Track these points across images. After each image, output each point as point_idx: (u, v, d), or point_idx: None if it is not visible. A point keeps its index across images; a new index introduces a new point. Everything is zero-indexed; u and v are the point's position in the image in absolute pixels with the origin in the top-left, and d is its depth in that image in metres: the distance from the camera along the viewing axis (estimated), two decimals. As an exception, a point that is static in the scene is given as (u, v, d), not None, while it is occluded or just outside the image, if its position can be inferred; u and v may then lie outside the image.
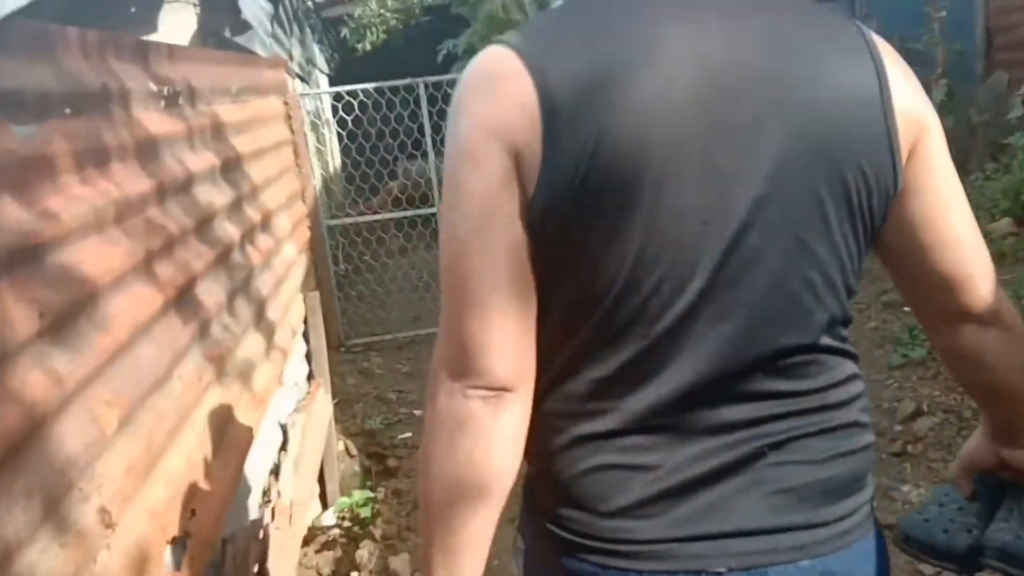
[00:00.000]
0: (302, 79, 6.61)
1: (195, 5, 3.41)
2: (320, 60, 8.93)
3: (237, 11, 3.67)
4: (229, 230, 2.06)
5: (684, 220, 0.75)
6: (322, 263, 4.48)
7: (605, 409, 0.79)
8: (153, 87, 1.71)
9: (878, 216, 0.80)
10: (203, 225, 1.84)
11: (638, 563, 0.78)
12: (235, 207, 2.20)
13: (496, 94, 0.76)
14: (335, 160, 7.77)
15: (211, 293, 1.75)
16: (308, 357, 3.20)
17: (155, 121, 1.69)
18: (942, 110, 3.23)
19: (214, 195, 2.01)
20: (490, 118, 0.76)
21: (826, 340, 0.81)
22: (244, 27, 3.72)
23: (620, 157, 0.73)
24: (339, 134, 5.64)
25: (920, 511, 0.98)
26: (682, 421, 0.79)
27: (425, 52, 7.97)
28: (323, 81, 9.00)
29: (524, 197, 0.75)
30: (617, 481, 0.79)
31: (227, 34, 3.67)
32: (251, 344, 2.01)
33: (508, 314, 0.77)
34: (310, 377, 3.18)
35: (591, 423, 0.80)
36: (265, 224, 2.53)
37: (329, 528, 2.72)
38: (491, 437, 0.78)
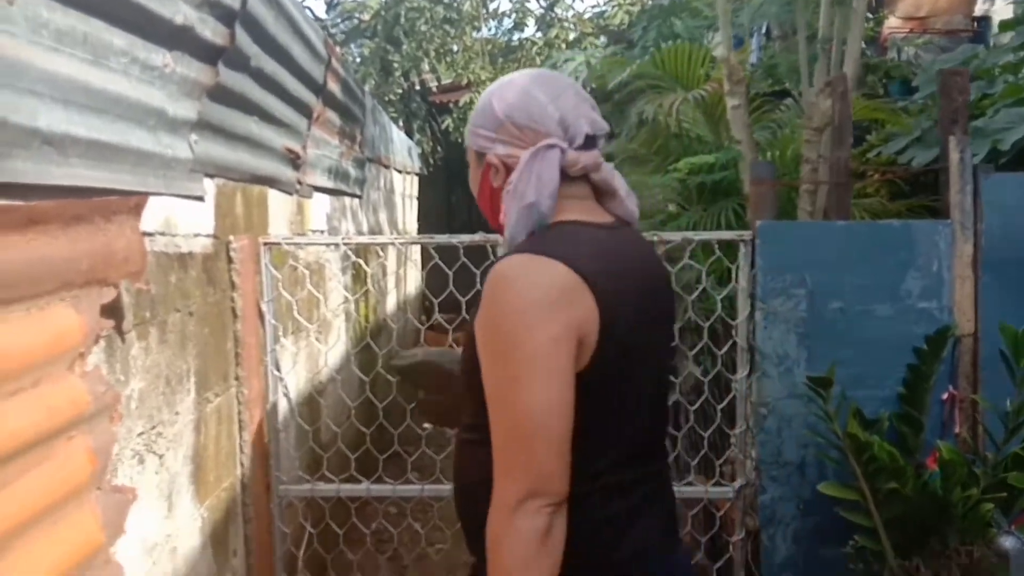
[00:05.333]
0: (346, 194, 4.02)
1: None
2: (400, 152, 6.38)
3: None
4: None
5: (646, 367, 1.19)
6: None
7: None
8: None
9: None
10: None
11: None
12: None
13: (560, 291, 1.07)
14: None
15: None
16: None
17: None
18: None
19: None
20: (561, 310, 1.07)
21: None
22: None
23: (633, 336, 1.15)
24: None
25: None
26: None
27: None
28: (401, 182, 6.51)
29: (582, 359, 1.09)
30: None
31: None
32: None
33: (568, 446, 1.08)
34: None
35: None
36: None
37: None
38: (563, 538, 1.07)
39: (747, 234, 2.32)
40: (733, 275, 2.35)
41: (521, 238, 1.16)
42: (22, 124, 1.24)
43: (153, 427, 1.70)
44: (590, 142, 1.21)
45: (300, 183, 3.05)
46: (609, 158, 5.45)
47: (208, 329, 2.06)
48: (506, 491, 1.05)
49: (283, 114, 2.65)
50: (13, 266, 1.16)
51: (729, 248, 2.37)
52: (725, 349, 2.38)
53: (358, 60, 8.65)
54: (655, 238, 2.33)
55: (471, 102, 7.99)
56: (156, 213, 1.77)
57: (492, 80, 8.40)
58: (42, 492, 1.19)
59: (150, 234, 1.72)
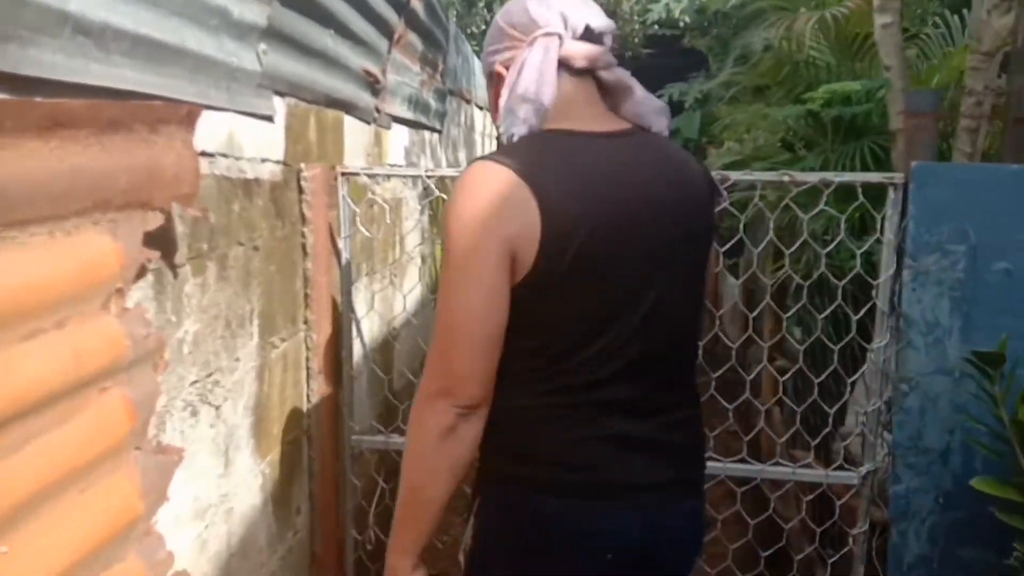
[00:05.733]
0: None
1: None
2: (483, 88, 5.30)
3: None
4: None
5: (631, 287, 1.12)
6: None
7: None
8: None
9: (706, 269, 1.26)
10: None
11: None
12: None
13: (501, 203, 1.05)
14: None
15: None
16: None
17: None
18: None
19: None
20: (495, 223, 1.05)
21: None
22: None
23: (589, 252, 1.07)
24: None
25: None
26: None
27: None
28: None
29: (518, 271, 1.06)
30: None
31: None
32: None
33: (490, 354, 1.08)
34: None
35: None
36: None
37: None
38: (468, 441, 1.10)
39: (898, 177, 1.95)
40: (877, 226, 2.00)
41: (521, 132, 1.12)
42: (48, 4, 1.01)
43: (209, 375, 1.49)
44: (596, 39, 1.16)
45: (379, 111, 2.79)
46: (727, 88, 5.03)
47: (275, 266, 1.84)
48: (424, 385, 1.10)
49: (363, 31, 2.38)
50: (31, 177, 0.93)
51: (871, 194, 2.02)
52: (861, 313, 2.04)
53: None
54: (785, 178, 1.99)
55: None
56: (217, 130, 1.53)
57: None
58: (67, 454, 0.98)
59: (209, 154, 1.49)
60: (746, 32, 4.94)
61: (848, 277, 2.07)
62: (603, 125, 1.15)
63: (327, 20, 2.09)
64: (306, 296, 2.05)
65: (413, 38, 3.10)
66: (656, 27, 7.58)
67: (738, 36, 5.20)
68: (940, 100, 2.36)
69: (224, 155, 1.58)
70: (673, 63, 6.94)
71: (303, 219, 2.00)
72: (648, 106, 1.18)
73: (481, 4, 7.89)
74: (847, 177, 2.05)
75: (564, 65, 1.13)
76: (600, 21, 1.16)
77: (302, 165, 1.99)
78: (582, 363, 1.09)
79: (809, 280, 2.21)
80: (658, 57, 7.48)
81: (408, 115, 3.25)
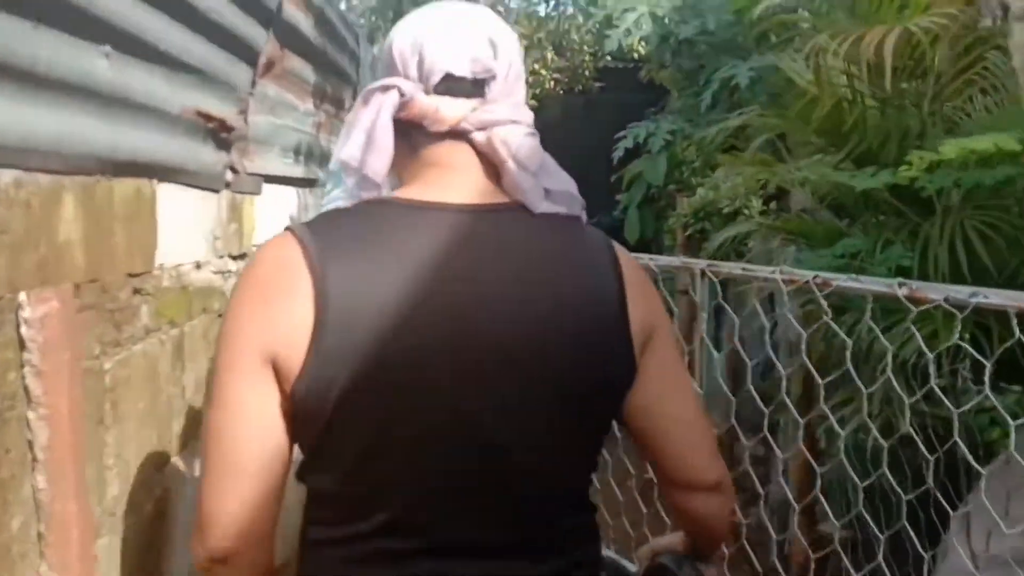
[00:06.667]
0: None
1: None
2: None
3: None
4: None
5: (441, 406, 0.83)
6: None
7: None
8: None
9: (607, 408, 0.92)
10: None
11: None
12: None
13: (266, 287, 0.82)
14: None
15: None
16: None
17: None
18: None
19: None
20: (257, 329, 0.81)
21: None
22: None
23: (382, 359, 0.80)
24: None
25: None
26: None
27: (594, 139, 5.43)
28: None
29: (286, 381, 0.81)
30: None
31: None
32: None
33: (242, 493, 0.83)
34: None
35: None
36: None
37: None
38: None
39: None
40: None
41: (341, 204, 0.92)
42: None
43: None
44: (465, 90, 0.87)
45: (235, 170, 1.88)
46: (731, 133, 3.98)
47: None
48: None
49: (186, 50, 1.48)
50: None
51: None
52: None
53: (365, 14, 7.34)
54: (902, 291, 1.15)
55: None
56: None
57: (526, 38, 7.12)
58: None
59: None
60: (719, 62, 4.18)
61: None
62: (466, 196, 0.88)
63: (98, 28, 1.18)
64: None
65: (296, 64, 2.20)
66: (608, 58, 6.86)
67: (707, 68, 4.44)
68: None
69: None
70: (628, 99, 6.24)
71: (27, 397, 1.06)
72: (524, 183, 0.87)
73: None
74: (999, 299, 1.21)
75: (417, 125, 0.88)
76: (469, 66, 0.87)
77: (22, 295, 1.05)
78: (359, 505, 0.84)
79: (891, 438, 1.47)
80: (611, 92, 6.77)
81: (294, 170, 2.34)
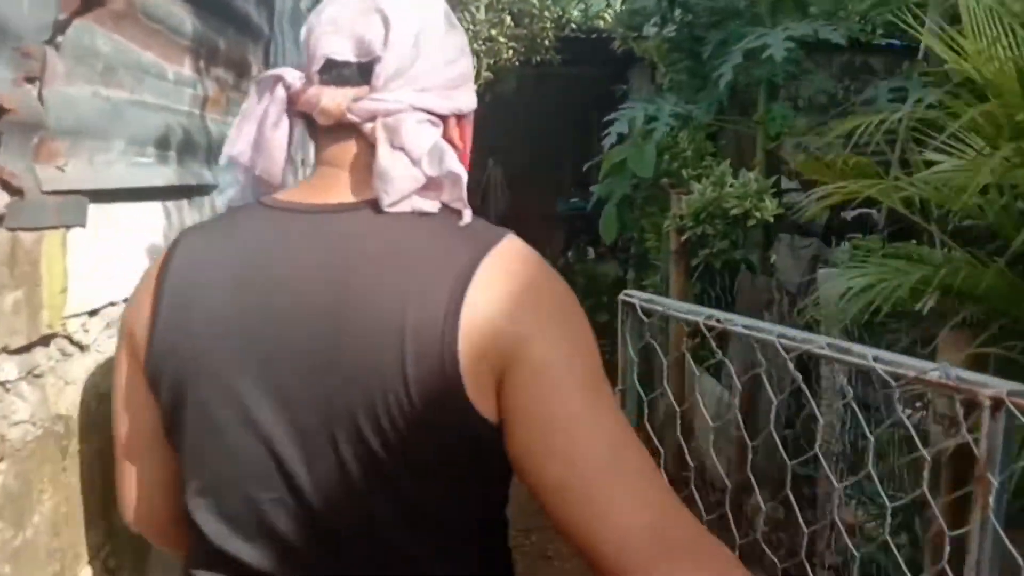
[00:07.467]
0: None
1: None
2: None
3: None
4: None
5: (260, 421, 0.80)
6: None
7: None
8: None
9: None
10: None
11: None
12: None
13: (134, 295, 0.89)
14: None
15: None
16: None
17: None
18: None
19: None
20: (125, 319, 0.89)
21: None
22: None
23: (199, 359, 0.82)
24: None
25: None
26: None
27: (555, 118, 4.92)
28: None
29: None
30: None
31: None
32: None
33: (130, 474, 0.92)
34: None
35: None
36: None
37: None
38: None
39: None
40: None
41: (235, 202, 0.90)
42: None
43: None
44: (351, 77, 0.82)
45: (14, 188, 0.98)
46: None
47: None
48: None
49: None
50: None
51: None
52: None
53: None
54: None
55: None
56: None
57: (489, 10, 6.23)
58: None
59: None
60: (728, 29, 3.42)
61: None
62: (338, 196, 0.83)
63: None
64: None
65: (157, 4, 1.31)
66: (573, 27, 6.02)
67: (709, 38, 3.66)
68: None
69: None
70: (596, 73, 5.45)
71: None
72: (392, 170, 0.80)
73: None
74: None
75: (306, 117, 0.85)
76: (352, 48, 0.81)
77: None
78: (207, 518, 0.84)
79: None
80: (575, 65, 5.95)
81: (156, 176, 1.44)
